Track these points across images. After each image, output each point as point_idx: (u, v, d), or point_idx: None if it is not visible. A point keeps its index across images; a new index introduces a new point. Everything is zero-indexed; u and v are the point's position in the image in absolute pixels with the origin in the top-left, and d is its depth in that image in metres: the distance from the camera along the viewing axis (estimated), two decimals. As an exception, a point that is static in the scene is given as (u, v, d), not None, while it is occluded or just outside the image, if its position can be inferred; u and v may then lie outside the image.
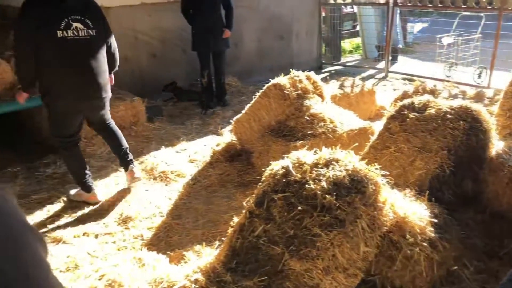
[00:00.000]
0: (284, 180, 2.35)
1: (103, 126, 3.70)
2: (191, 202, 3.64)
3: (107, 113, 3.64)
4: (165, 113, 5.75)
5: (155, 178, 4.07)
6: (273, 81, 4.15)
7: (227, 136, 4.87)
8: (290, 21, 7.65)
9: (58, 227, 3.31)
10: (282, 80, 4.14)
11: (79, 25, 3.14)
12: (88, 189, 3.63)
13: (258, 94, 4.24)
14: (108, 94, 3.46)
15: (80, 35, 3.15)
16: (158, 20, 6.07)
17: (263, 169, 3.53)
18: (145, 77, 6.17)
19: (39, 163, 4.44)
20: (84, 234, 3.20)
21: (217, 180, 3.97)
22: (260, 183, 2.48)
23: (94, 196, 3.66)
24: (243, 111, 4.30)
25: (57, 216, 3.49)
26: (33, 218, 3.45)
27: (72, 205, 3.64)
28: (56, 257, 2.91)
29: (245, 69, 7.24)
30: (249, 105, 4.28)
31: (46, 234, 3.21)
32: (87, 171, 3.64)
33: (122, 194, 3.78)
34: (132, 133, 4.95)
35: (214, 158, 4.35)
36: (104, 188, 3.90)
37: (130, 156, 3.82)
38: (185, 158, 4.46)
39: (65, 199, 3.74)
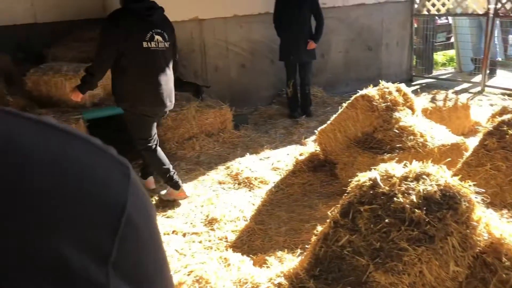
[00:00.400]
0: (371, 192, 2.33)
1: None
2: (274, 209, 3.70)
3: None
4: (250, 121, 5.91)
5: (239, 184, 4.19)
6: (361, 92, 4.10)
7: (310, 146, 4.89)
8: (380, 32, 7.51)
9: (150, 224, 3.53)
10: (370, 91, 4.08)
11: (159, 38, 3.42)
12: (176, 186, 3.81)
13: (344, 104, 4.22)
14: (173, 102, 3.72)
15: (159, 46, 3.43)
16: (248, 32, 6.27)
17: (348, 181, 3.51)
18: (233, 86, 6.39)
19: (135, 162, 4.76)
20: (173, 232, 3.38)
21: (299, 189, 4.00)
22: (346, 194, 2.47)
23: (183, 192, 3.85)
24: (329, 122, 4.30)
25: (149, 213, 3.73)
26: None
27: (163, 204, 3.87)
28: (147, 252, 3.12)
29: (331, 80, 7.22)
30: (335, 115, 4.27)
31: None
32: (172, 169, 3.82)
33: (209, 196, 3.95)
34: (219, 139, 5.15)
35: (297, 167, 4.39)
36: (192, 189, 4.10)
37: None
38: (268, 165, 4.54)
39: (156, 198, 3.98)
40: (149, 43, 3.36)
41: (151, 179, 4.17)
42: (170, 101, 3.63)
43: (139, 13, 3.32)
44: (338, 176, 4.02)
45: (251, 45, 6.36)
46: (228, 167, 4.51)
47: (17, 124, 0.37)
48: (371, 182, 2.39)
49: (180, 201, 3.88)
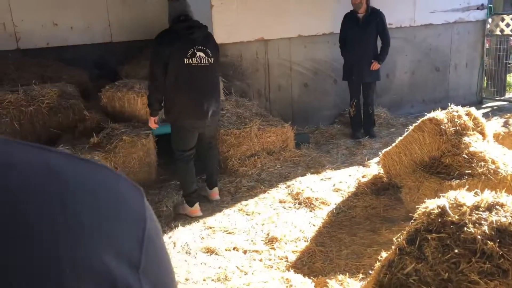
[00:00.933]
0: (439, 220, 2.26)
1: (209, 145, 4.18)
2: (335, 231, 3.67)
3: (216, 133, 4.16)
4: (312, 140, 5.91)
5: (300, 203, 4.20)
6: (428, 115, 3.99)
7: (373, 168, 4.81)
8: (449, 53, 7.28)
9: (212, 238, 3.62)
10: (438, 114, 3.96)
11: (201, 54, 3.68)
12: (191, 203, 4.02)
13: (410, 127, 4.12)
14: (219, 115, 3.96)
15: (202, 62, 3.68)
16: (312, 52, 6.32)
17: (413, 206, 3.41)
18: (295, 105, 6.43)
19: (198, 177, 4.90)
20: (234, 248, 3.44)
21: (362, 212, 3.94)
22: (413, 220, 2.41)
23: (196, 210, 4.03)
24: (394, 144, 4.21)
25: (210, 227, 3.82)
26: (190, 228, 3.83)
27: (225, 219, 3.95)
28: (208, 267, 3.19)
29: (396, 101, 7.08)
30: (400, 138, 4.18)
31: (201, 243, 3.54)
32: (195, 186, 4.06)
33: (270, 215, 3.98)
34: (280, 158, 5.18)
35: (359, 189, 4.33)
36: (253, 207, 4.15)
37: (217, 179, 4.38)
38: (329, 186, 4.51)
39: (217, 212, 4.08)
40: (190, 60, 3.62)
41: (216, 190, 4.35)
42: (212, 115, 3.84)
43: (180, 32, 3.62)
44: (403, 201, 3.92)
45: (315, 64, 6.39)
46: (288, 186, 4.53)
47: (52, 156, 0.43)
48: (439, 209, 2.32)
49: (238, 218, 3.95)
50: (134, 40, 7.37)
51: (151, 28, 7.40)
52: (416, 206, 2.59)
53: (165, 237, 3.66)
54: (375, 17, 5.62)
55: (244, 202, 4.27)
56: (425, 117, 4.00)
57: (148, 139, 4.74)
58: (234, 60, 5.95)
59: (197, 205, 4.06)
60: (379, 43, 5.76)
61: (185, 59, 3.61)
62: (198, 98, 3.71)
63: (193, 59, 3.64)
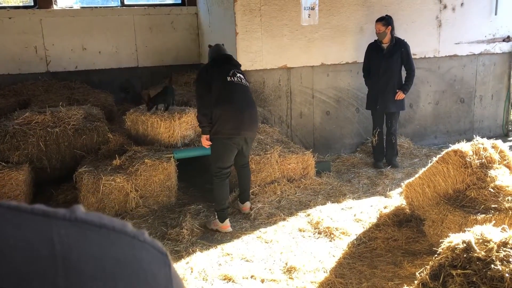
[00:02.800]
0: (465, 255, 2.18)
1: (244, 165, 4.46)
2: (355, 263, 3.58)
3: (249, 153, 4.48)
4: (333, 168, 5.86)
5: (319, 233, 4.13)
6: (453, 147, 3.92)
7: (396, 199, 4.71)
8: (474, 84, 7.20)
9: (230, 265, 3.58)
10: (463, 146, 3.89)
11: (240, 75, 4.19)
12: (223, 218, 4.21)
13: (434, 158, 4.04)
14: (256, 131, 4.37)
15: (242, 82, 4.17)
16: (335, 80, 6.33)
17: (437, 240, 3.32)
18: (317, 132, 6.41)
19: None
20: (251, 276, 3.39)
21: (383, 244, 3.84)
22: (437, 255, 2.34)
23: (227, 226, 4.22)
24: (417, 175, 4.13)
25: (228, 254, 3.78)
26: (208, 254, 3.80)
27: (243, 246, 3.90)
28: (226, 294, 3.14)
29: (419, 131, 6.99)
30: (423, 169, 4.10)
31: (219, 269, 3.50)
32: (228, 203, 4.33)
33: (288, 243, 3.92)
34: (301, 185, 5.14)
35: (381, 220, 4.24)
36: (272, 234, 4.11)
37: (249, 194, 4.64)
38: (350, 216, 4.44)
39: (235, 239, 4.04)
40: (232, 78, 4.09)
41: (247, 204, 4.58)
42: (252, 129, 4.21)
43: (220, 60, 4.21)
44: (426, 234, 3.81)
45: (337, 93, 6.39)
46: (308, 215, 4.48)
47: (58, 226, 0.37)
48: (464, 244, 2.25)
49: (256, 245, 3.91)
50: (159, 65, 7.53)
51: (176, 54, 7.59)
52: (440, 240, 2.52)
53: (183, 262, 3.63)
54: (400, 47, 5.61)
55: (263, 229, 4.23)
56: (450, 149, 3.92)
57: (169, 163, 4.77)
58: (256, 86, 6.00)
59: (227, 221, 4.26)
60: (403, 73, 5.74)
61: (227, 77, 4.08)
62: (241, 110, 4.07)
63: (234, 77, 4.11)
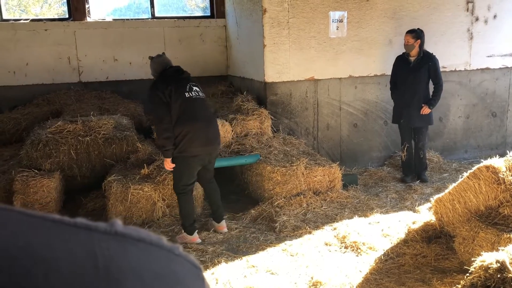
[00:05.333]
0: (498, 275, 2.12)
1: (210, 179, 4.39)
2: (383, 279, 3.51)
3: (213, 166, 4.36)
4: (360, 182, 5.79)
5: (346, 247, 4.08)
6: (485, 162, 3.82)
7: (424, 215, 4.61)
8: (507, 98, 7.03)
9: (255, 278, 3.56)
10: (496, 162, 3.78)
11: (196, 89, 4.06)
12: (191, 232, 4.21)
13: (465, 173, 3.95)
14: (219, 147, 4.29)
15: (200, 95, 4.06)
16: (362, 92, 6.29)
17: (468, 258, 3.23)
18: (344, 145, 6.36)
19: (242, 213, 4.90)
20: (276, 290, 3.36)
21: (411, 261, 3.76)
22: (468, 274, 2.28)
23: (196, 238, 4.23)
24: (447, 190, 4.04)
25: (253, 266, 3.77)
26: (233, 265, 3.79)
27: (268, 258, 3.88)
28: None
29: (449, 145, 6.85)
30: (453, 184, 4.00)
31: (243, 281, 3.49)
32: (194, 217, 4.34)
33: (314, 257, 3.88)
34: (327, 198, 5.10)
35: (409, 236, 4.15)
36: (297, 247, 4.07)
37: (223, 212, 4.54)
38: (378, 231, 4.36)
39: (260, 251, 4.02)
40: (190, 93, 3.97)
41: (223, 223, 4.49)
42: (217, 143, 4.18)
43: (172, 75, 4.01)
44: (456, 251, 3.71)
45: (365, 105, 6.34)
46: (335, 228, 4.43)
47: (100, 239, 0.39)
48: (498, 264, 2.18)
49: (281, 258, 3.89)
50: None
51: (204, 66, 7.68)
52: (472, 258, 2.45)
53: (208, 273, 3.64)
54: (427, 60, 5.49)
55: (288, 242, 4.20)
56: (481, 164, 3.82)
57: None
58: (283, 98, 6.01)
59: (196, 233, 4.26)
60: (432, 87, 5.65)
61: (185, 93, 3.95)
62: (204, 125, 4.02)
63: (192, 92, 3.99)
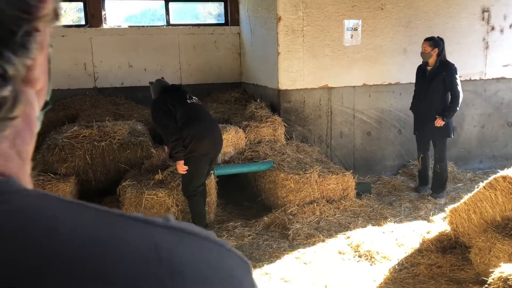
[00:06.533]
0: (518, 287, 2.09)
1: (203, 182, 4.46)
2: (397, 288, 3.49)
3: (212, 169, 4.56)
4: (373, 190, 5.76)
5: (360, 256, 4.05)
6: (501, 172, 3.78)
7: (439, 225, 4.58)
8: (522, 108, 6.96)
9: (268, 285, 3.56)
10: (513, 172, 3.74)
11: (194, 97, 4.38)
12: None
13: (480, 184, 3.91)
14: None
15: (200, 103, 4.42)
16: (376, 101, 6.27)
17: (484, 268, 3.20)
18: (357, 153, 6.34)
19: (255, 220, 4.89)
20: (290, 297, 3.35)
21: (426, 271, 3.72)
22: (487, 285, 2.25)
23: None
24: (462, 201, 4.00)
25: (267, 273, 3.76)
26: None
27: (282, 266, 3.88)
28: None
29: (463, 155, 6.79)
30: (469, 194, 3.97)
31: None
32: (207, 220, 4.47)
33: (328, 266, 3.87)
34: (340, 207, 5.07)
35: (424, 246, 4.12)
36: (311, 255, 4.06)
37: None
38: (392, 240, 4.33)
39: (274, 258, 4.02)
40: (191, 100, 4.27)
41: None
42: (221, 144, 4.42)
43: (171, 91, 4.35)
44: (472, 262, 3.67)
45: (379, 113, 6.32)
46: (348, 237, 4.40)
47: (158, 235, 0.40)
48: (517, 276, 2.15)
49: (295, 266, 3.88)
50: (202, 83, 7.68)
51: (218, 73, 7.73)
52: (490, 270, 2.43)
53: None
54: (443, 70, 5.29)
55: (301, 250, 4.19)
56: (498, 175, 3.79)
57: (209, 179, 4.82)
58: (297, 106, 6.02)
59: None
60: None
61: (187, 100, 4.25)
62: (210, 126, 4.29)
63: (192, 99, 4.30)
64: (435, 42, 5.32)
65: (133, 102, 7.25)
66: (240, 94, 7.40)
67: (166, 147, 5.02)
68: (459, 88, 5.33)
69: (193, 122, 4.16)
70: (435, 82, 5.31)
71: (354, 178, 5.31)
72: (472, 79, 6.61)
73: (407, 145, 6.39)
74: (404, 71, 6.13)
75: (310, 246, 4.28)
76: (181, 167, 4.20)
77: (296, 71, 5.92)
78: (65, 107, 6.95)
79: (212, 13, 8.24)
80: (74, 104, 6.98)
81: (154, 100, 4.39)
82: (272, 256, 4.11)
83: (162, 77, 4.78)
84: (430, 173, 5.77)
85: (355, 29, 6.02)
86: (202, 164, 4.26)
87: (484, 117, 6.80)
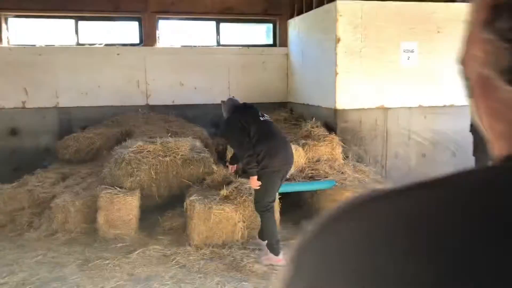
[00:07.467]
0: None
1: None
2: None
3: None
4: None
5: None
6: None
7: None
8: None
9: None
10: None
11: (266, 115, 4.49)
12: (277, 252, 4.25)
13: None
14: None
15: (272, 121, 4.58)
16: (432, 122, 6.29)
17: None
18: (412, 175, 6.32)
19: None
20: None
21: None
22: None
23: (281, 259, 4.22)
24: None
25: None
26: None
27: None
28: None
29: None
30: None
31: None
32: (279, 236, 4.38)
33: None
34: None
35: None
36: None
37: None
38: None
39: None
40: (263, 117, 4.37)
41: (281, 256, 4.34)
42: (292, 162, 4.48)
43: (244, 109, 4.51)
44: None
45: (433, 135, 6.33)
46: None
47: None
48: None
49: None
50: (249, 102, 7.77)
51: (265, 92, 7.84)
52: None
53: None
54: None
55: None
56: None
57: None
58: (354, 126, 6.06)
59: (281, 253, 4.27)
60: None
61: (259, 118, 4.35)
62: (283, 144, 4.35)
63: (264, 117, 4.40)
64: None
65: (183, 120, 7.37)
66: (289, 114, 7.48)
67: (230, 167, 5.11)
68: None
69: (266, 139, 4.24)
70: None
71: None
72: None
73: (460, 168, 6.34)
74: (460, 93, 6.13)
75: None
76: (255, 182, 4.25)
77: (354, 91, 5.98)
78: (118, 123, 7.08)
79: (262, 34, 8.41)
80: (127, 121, 7.11)
81: (227, 118, 4.49)
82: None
83: (233, 96, 4.88)
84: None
85: (412, 51, 6.09)
86: (275, 179, 4.30)
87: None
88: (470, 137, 5.69)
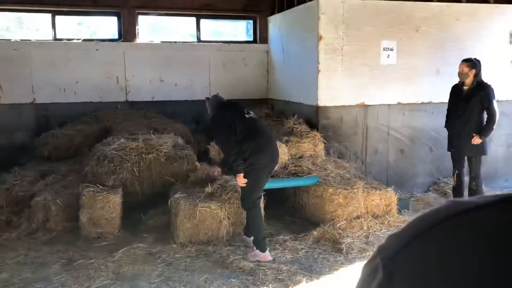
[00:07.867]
0: None
1: None
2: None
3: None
4: (411, 207, 5.86)
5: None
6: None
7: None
8: (545, 129, 7.18)
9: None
10: None
11: (251, 112, 4.45)
12: (264, 248, 4.30)
13: None
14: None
15: (257, 118, 4.55)
16: (410, 119, 6.43)
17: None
18: (391, 170, 6.47)
19: (304, 234, 4.94)
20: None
21: None
22: None
23: (268, 255, 4.29)
24: None
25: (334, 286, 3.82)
26: (311, 285, 3.84)
27: (343, 278, 3.93)
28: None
29: (489, 173, 6.94)
30: None
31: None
32: (265, 232, 4.43)
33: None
34: (385, 222, 5.15)
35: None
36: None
37: None
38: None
39: (337, 267, 4.07)
40: (249, 115, 4.35)
41: (267, 252, 4.40)
42: (278, 159, 4.47)
43: (229, 105, 4.52)
44: None
45: (412, 131, 6.48)
46: (400, 251, 4.47)
47: None
48: None
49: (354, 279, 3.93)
50: (230, 99, 7.76)
51: (246, 89, 7.85)
52: None
53: (291, 291, 3.68)
54: (480, 90, 5.48)
55: (359, 263, 4.25)
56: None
57: (261, 193, 4.88)
58: (334, 122, 6.14)
59: (268, 250, 4.33)
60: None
61: (245, 115, 4.33)
62: (269, 140, 4.36)
63: (250, 114, 4.38)
64: (473, 64, 5.51)
65: (163, 116, 7.30)
66: (270, 110, 7.51)
67: (218, 169, 5.13)
68: (496, 107, 5.51)
69: (252, 136, 4.25)
70: (473, 101, 5.47)
71: (396, 194, 5.41)
72: (499, 100, 6.80)
73: (437, 163, 6.53)
74: (436, 91, 6.30)
75: (362, 260, 4.34)
76: (241, 180, 4.26)
77: (335, 88, 6.06)
78: (97, 119, 6.96)
79: (243, 30, 8.40)
80: (106, 117, 7.00)
81: (213, 115, 4.49)
82: (332, 269, 4.16)
83: (218, 93, 4.86)
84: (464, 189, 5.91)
85: (392, 50, 6.20)
86: (261, 176, 4.32)
87: (510, 137, 7.00)
88: (445, 133, 5.86)
